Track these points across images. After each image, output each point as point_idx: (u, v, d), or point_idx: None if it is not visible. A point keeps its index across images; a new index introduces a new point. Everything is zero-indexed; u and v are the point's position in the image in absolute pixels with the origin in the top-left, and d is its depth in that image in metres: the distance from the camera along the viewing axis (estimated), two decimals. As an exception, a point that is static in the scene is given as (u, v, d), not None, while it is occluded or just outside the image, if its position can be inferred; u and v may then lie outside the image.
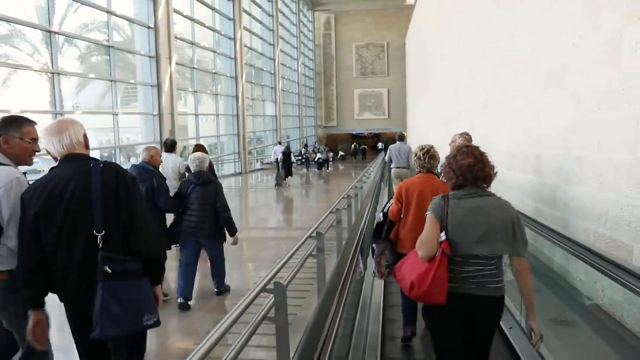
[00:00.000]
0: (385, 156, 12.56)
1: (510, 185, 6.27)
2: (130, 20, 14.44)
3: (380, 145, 40.88)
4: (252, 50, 26.36)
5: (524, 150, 5.71)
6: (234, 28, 22.21)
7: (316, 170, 25.95)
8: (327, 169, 27.00)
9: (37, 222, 2.17)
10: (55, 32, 10.85)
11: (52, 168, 2.31)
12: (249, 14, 25.17)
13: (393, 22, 41.18)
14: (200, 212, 4.72)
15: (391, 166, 10.19)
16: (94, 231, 2.15)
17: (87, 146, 2.38)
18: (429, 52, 18.93)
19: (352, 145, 40.40)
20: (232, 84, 22.40)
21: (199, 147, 6.65)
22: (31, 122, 2.53)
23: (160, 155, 5.19)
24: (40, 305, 2.25)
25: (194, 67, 18.46)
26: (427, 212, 2.36)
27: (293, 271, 2.80)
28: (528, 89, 5.64)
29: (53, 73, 10.76)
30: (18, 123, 2.47)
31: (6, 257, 2.36)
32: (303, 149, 30.94)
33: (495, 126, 7.39)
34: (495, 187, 2.53)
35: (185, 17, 17.39)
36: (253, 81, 26.47)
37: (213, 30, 20.39)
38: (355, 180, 8.24)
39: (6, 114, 2.56)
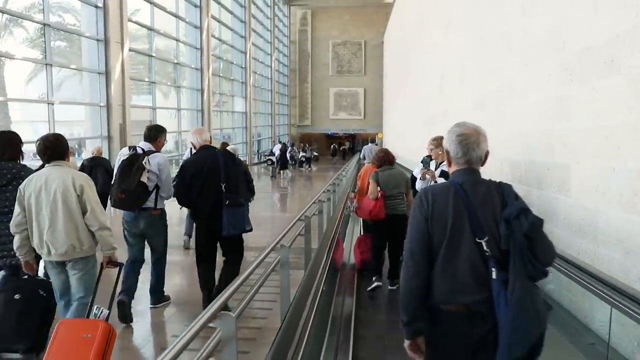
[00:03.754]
0: (359, 155, 17.15)
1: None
2: (74, -3, 12.59)
3: (347, 144, 43.13)
4: (222, 41, 24.56)
5: (542, 160, 4.37)
6: (201, 16, 20.43)
7: (300, 168, 27.62)
8: (309, 167, 28.63)
9: (193, 179, 4.39)
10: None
11: (195, 153, 4.70)
12: (218, 3, 23.33)
13: (371, 20, 39.79)
14: None
15: (364, 162, 13.59)
16: (220, 183, 4.34)
17: (211, 142, 4.83)
18: (410, 48, 17.62)
19: (332, 146, 40.70)
20: (197, 77, 20.56)
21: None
22: (166, 130, 4.86)
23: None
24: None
25: (151, 55, 16.63)
26: (370, 179, 5.41)
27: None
28: (547, 79, 4.29)
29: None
30: (164, 131, 4.78)
31: (162, 201, 4.51)
32: (290, 148, 30.09)
33: (494, 127, 6.04)
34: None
35: (142, -2, 15.58)
36: (221, 75, 24.66)
37: (175, 15, 18.57)
38: (320, 192, 6.79)
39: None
